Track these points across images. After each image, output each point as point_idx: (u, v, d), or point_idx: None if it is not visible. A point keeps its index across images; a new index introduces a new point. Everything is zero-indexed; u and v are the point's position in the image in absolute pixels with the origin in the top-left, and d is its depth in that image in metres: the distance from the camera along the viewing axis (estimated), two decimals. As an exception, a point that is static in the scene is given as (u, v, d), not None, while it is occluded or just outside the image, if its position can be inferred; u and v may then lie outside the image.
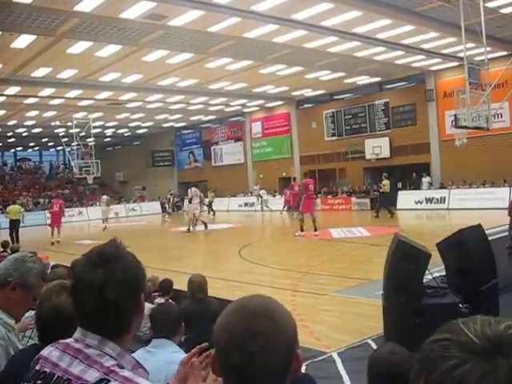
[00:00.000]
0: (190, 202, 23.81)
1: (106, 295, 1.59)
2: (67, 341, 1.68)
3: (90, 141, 34.07)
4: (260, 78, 27.74)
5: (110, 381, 1.52)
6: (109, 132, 45.64)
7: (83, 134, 33.13)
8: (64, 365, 1.60)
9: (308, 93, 33.95)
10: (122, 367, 1.59)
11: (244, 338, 1.21)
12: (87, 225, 33.22)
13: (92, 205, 40.85)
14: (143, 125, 42.73)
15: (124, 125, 42.24)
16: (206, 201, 31.37)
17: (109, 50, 20.52)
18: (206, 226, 22.87)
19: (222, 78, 26.93)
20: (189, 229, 23.19)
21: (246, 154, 40.51)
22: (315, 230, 18.60)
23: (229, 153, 41.83)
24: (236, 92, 31.48)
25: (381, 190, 26.01)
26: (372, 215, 26.07)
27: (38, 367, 1.68)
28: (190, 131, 46.08)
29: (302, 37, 20.29)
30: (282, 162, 37.09)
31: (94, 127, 34.93)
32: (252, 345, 1.20)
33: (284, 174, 36.59)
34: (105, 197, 29.74)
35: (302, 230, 18.86)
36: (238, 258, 15.12)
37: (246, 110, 39.14)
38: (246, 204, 36.54)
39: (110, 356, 1.60)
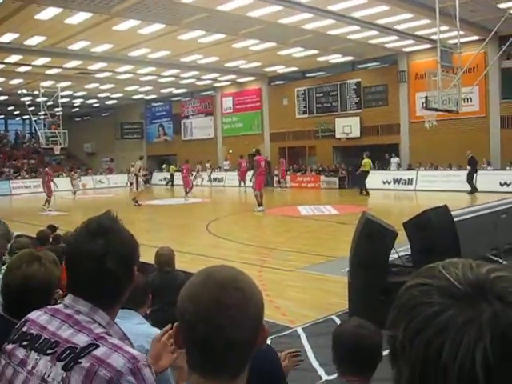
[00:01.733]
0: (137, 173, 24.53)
1: (106, 265, 1.62)
2: (57, 306, 1.70)
3: (58, 110, 33.46)
4: (232, 53, 27.50)
5: (99, 346, 1.53)
6: (77, 102, 44.82)
7: (51, 103, 32.53)
8: (52, 328, 1.62)
9: (280, 69, 33.78)
10: (110, 336, 1.60)
11: (212, 310, 1.16)
12: (53, 196, 32.73)
13: (58, 176, 40.31)
14: (113, 96, 42.08)
15: (93, 95, 41.52)
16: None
17: (79, 18, 20.03)
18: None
19: (194, 50, 26.63)
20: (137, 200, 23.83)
21: (216, 128, 40.29)
22: (260, 204, 19.44)
23: (199, 127, 41.55)
24: (208, 66, 31.18)
25: (361, 169, 25.84)
26: (340, 193, 26.25)
27: (24, 329, 1.68)
28: (160, 104, 45.58)
29: (277, 12, 20.12)
30: (252, 138, 36.98)
31: (62, 97, 34.29)
32: (221, 317, 1.16)
33: (254, 149, 36.46)
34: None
35: (259, 205, 19.18)
36: (205, 232, 15.13)
37: (217, 85, 38.84)
38: (214, 179, 36.45)
39: (100, 324, 1.62)
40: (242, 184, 31.02)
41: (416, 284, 0.79)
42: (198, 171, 33.20)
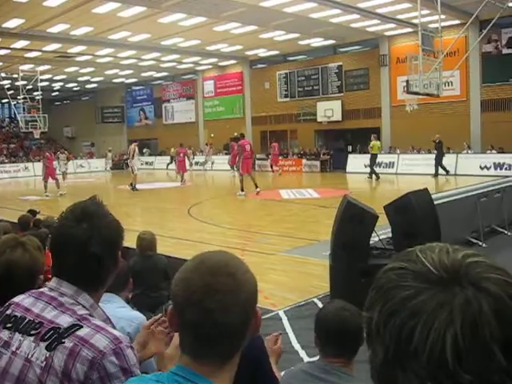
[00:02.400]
0: (132, 158, 23.81)
1: (91, 249, 1.65)
2: (41, 289, 1.73)
3: (37, 94, 33.12)
4: (214, 36, 27.32)
5: (82, 326, 1.56)
6: (57, 86, 44.36)
7: (30, 86, 32.18)
8: (36, 310, 1.64)
9: (262, 53, 33.66)
10: (93, 317, 1.64)
11: (202, 294, 1.18)
12: (33, 180, 32.44)
13: (39, 160, 39.85)
14: (93, 80, 41.69)
15: (73, 79, 41.11)
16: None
17: (58, 0, 19.76)
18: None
19: (175, 34, 26.42)
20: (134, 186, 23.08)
21: (197, 112, 40.10)
22: (256, 186, 19.07)
23: (180, 111, 41.33)
24: (189, 49, 30.97)
25: (370, 152, 24.69)
26: (322, 177, 26.27)
27: (8, 312, 1.69)
28: (140, 88, 45.22)
29: (258, -5, 20.04)
30: (233, 122, 36.88)
31: (42, 80, 33.81)
32: (210, 301, 1.17)
33: (235, 133, 36.40)
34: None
35: (242, 190, 19.08)
36: (187, 216, 15.10)
37: (198, 68, 38.62)
38: (196, 163, 36.33)
39: (83, 306, 1.65)
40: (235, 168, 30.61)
41: (393, 267, 0.79)
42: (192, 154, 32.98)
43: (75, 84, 44.09)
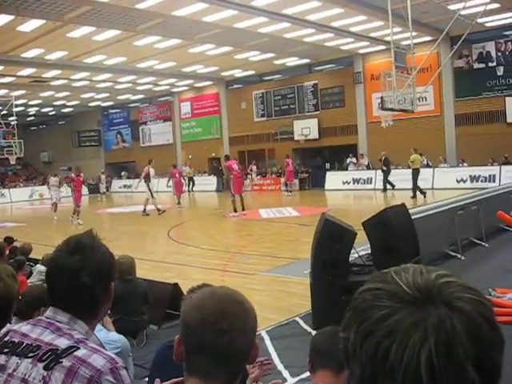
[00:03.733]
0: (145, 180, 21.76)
1: (81, 279, 1.72)
2: (38, 317, 1.81)
3: (12, 119, 32.85)
4: (189, 58, 27.42)
5: (79, 348, 1.62)
6: (32, 111, 44.04)
7: (5, 112, 31.91)
8: (34, 335, 1.69)
9: (238, 73, 33.85)
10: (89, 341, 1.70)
11: (217, 317, 1.32)
12: (10, 207, 32.08)
13: (15, 186, 39.49)
14: (69, 104, 41.47)
15: (49, 103, 40.86)
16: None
17: (32, 25, 19.70)
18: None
19: (150, 56, 26.47)
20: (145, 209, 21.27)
21: (174, 134, 40.09)
22: (243, 209, 19.01)
23: (157, 133, 41.27)
24: (165, 71, 31.03)
25: (412, 167, 21.89)
26: (300, 195, 26.29)
27: (6, 338, 1.74)
28: (117, 111, 45.13)
29: (232, 16, 20.16)
30: (211, 143, 36.96)
31: (17, 105, 33.55)
32: (224, 324, 1.31)
33: (213, 154, 36.52)
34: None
35: (235, 211, 18.97)
36: (166, 239, 15.02)
37: (174, 90, 38.66)
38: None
39: (79, 332, 1.71)
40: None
41: (369, 288, 0.81)
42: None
43: (51, 108, 43.82)
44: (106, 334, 3.44)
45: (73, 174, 21.05)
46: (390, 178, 24.55)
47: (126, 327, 5.96)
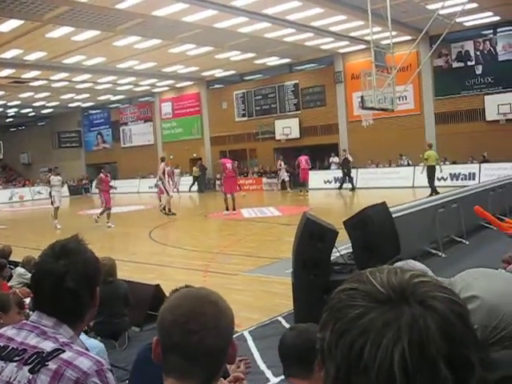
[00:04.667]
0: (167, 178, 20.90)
1: (66, 284, 1.72)
2: (23, 321, 1.82)
3: (-9, 121, 32.55)
4: (170, 58, 27.34)
5: (65, 351, 1.63)
6: (11, 112, 43.66)
7: (-17, 113, 31.62)
8: (20, 338, 1.69)
9: (218, 73, 33.80)
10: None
11: (188, 318, 1.34)
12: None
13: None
14: (48, 104, 41.13)
15: (28, 104, 40.45)
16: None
17: (10, 25, 19.51)
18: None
19: (130, 56, 26.34)
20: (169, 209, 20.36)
21: (155, 134, 39.95)
22: (233, 208, 19.04)
23: (138, 133, 41.09)
24: (145, 71, 30.91)
25: (425, 164, 20.57)
26: (282, 195, 26.30)
27: None
28: (97, 111, 44.85)
29: (212, 17, 20.13)
30: (192, 143, 36.88)
31: (-5, 107, 33.35)
32: (194, 324, 1.33)
33: (194, 154, 36.44)
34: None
35: (227, 210, 18.98)
36: (148, 240, 14.95)
37: (155, 90, 38.52)
38: (156, 185, 36.02)
39: (64, 336, 1.72)
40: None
41: (344, 288, 0.81)
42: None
43: (30, 109, 43.43)
44: (84, 339, 3.41)
45: (101, 174, 19.46)
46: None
47: (108, 329, 5.93)
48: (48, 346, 1.64)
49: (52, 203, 19.25)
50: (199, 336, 1.32)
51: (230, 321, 1.43)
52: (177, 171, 31.96)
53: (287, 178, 29.06)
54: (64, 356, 1.61)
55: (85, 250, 1.85)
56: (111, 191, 19.33)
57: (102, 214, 18.77)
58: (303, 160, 26.35)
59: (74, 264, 1.76)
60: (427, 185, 19.85)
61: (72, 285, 1.73)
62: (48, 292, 1.73)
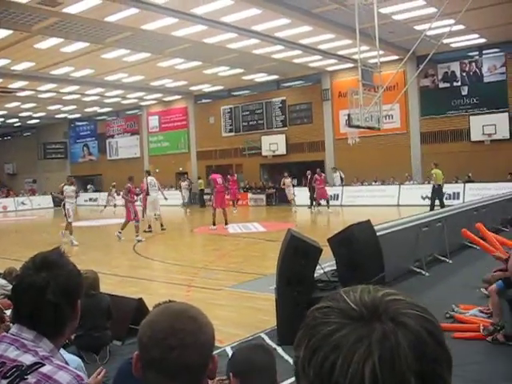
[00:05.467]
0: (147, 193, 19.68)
1: (47, 297, 1.71)
2: (3, 334, 1.79)
3: (-23, 130, 32.32)
4: (158, 72, 27.38)
5: (45, 365, 1.61)
6: (-3, 122, 43.46)
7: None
8: None
9: (206, 88, 33.89)
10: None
11: (166, 334, 1.32)
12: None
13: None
14: (35, 115, 40.95)
15: (14, 114, 40.25)
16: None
17: (-2, 35, 19.49)
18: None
19: (118, 69, 26.35)
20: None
21: (142, 147, 39.90)
22: (226, 223, 19.03)
23: (125, 146, 41.02)
24: (133, 84, 30.91)
25: (432, 183, 20.90)
26: (267, 210, 26.30)
27: None
28: (84, 123, 44.73)
29: (202, 32, 20.20)
30: (178, 157, 36.87)
31: (-19, 116, 33.14)
32: (173, 340, 1.31)
33: (181, 168, 36.41)
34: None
35: (214, 225, 18.92)
36: (132, 253, 14.87)
37: (143, 104, 38.53)
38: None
39: (44, 350, 1.69)
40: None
41: (319, 307, 0.82)
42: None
43: (16, 120, 43.20)
44: (64, 354, 3.37)
45: (129, 184, 17.94)
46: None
47: (89, 343, 5.87)
48: (28, 359, 1.61)
49: (66, 217, 17.15)
50: (178, 352, 1.31)
51: (210, 336, 1.40)
52: (184, 184, 30.45)
53: (294, 196, 26.97)
54: (43, 370, 1.59)
55: (66, 263, 1.83)
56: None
57: (123, 228, 17.46)
58: (319, 177, 25.19)
59: (55, 277, 1.74)
60: (412, 203, 20.00)
61: (53, 298, 1.71)
62: (28, 305, 1.72)
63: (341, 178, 29.07)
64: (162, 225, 19.80)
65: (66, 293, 1.76)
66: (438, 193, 20.54)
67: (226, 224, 19.05)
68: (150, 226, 19.41)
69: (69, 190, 17.55)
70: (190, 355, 1.32)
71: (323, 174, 25.98)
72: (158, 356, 1.31)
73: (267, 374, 2.65)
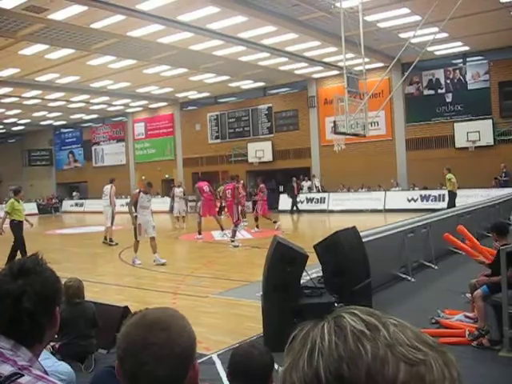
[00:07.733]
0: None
1: (23, 305, 1.68)
2: None
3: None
4: (144, 78, 27.35)
5: (23, 375, 1.57)
6: (-19, 128, 43.19)
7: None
8: None
9: (192, 95, 33.90)
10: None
11: (138, 347, 1.30)
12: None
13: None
14: (20, 122, 40.74)
15: (-2, 121, 40.12)
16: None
17: (-18, 42, 19.39)
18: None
19: (104, 76, 26.29)
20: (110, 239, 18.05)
21: (128, 154, 39.81)
22: (221, 229, 18.55)
23: (110, 153, 40.90)
24: (119, 91, 30.85)
25: (450, 188, 20.08)
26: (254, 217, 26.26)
27: None
28: (70, 130, 44.56)
29: (188, 39, 20.23)
30: (164, 164, 36.81)
31: (-35, 123, 32.89)
32: (144, 354, 1.29)
33: (167, 175, 36.34)
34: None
35: (199, 234, 18.69)
36: (118, 261, 14.80)
37: (129, 110, 38.45)
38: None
39: (23, 359, 1.66)
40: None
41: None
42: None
43: (1, 126, 42.95)
44: (53, 363, 3.34)
45: (237, 183, 17.58)
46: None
47: (74, 351, 5.82)
48: (6, 369, 1.57)
49: (112, 222, 17.24)
50: (150, 367, 1.29)
51: (188, 345, 1.37)
52: (178, 190, 25.32)
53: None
54: (22, 381, 1.55)
55: (44, 270, 1.80)
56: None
57: (234, 234, 16.51)
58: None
59: (31, 284, 1.72)
60: (398, 206, 19.91)
61: (29, 306, 1.68)
62: (5, 313, 1.69)
63: (315, 186, 29.15)
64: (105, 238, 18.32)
65: (43, 300, 1.73)
66: (453, 198, 19.82)
67: (223, 230, 18.61)
68: (111, 239, 18.39)
69: (144, 199, 13.79)
70: (163, 369, 1.30)
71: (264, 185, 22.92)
72: (131, 369, 1.31)
73: (265, 374, 2.66)
